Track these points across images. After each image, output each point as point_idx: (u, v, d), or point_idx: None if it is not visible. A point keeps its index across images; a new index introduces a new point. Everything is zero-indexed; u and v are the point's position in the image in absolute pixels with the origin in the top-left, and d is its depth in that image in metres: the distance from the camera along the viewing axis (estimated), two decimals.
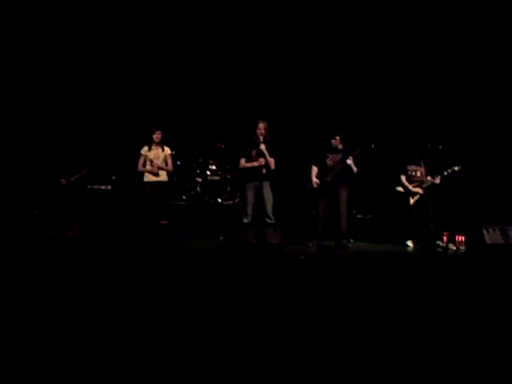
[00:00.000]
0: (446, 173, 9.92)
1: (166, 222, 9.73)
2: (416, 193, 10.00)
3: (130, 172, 10.36)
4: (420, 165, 10.16)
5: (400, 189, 10.16)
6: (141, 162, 9.86)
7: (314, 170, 10.00)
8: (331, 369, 3.18)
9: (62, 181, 10.01)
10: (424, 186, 9.99)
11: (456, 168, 9.86)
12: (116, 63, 12.16)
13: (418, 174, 10.13)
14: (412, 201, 10.03)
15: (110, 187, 11.61)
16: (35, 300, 3.85)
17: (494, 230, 9.38)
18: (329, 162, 9.94)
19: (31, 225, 10.06)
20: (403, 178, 10.13)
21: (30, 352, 3.23)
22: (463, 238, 9.66)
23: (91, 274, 3.62)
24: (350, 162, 9.68)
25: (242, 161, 9.54)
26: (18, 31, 11.57)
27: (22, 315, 3.62)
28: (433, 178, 9.96)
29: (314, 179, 9.92)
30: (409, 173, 10.15)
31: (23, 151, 11.67)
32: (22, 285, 4.37)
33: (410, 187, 10.04)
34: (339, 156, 9.90)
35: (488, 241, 9.27)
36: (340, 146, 9.96)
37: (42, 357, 3.17)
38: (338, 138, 9.94)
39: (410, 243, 10.03)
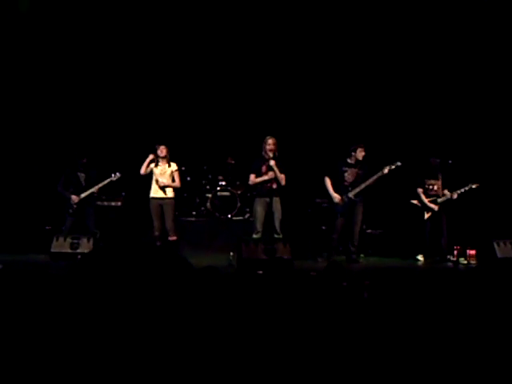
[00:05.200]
0: (463, 190, 9.89)
1: (175, 239, 9.71)
2: (431, 208, 9.97)
3: (140, 188, 10.36)
4: (438, 178, 10.13)
5: (415, 202, 10.12)
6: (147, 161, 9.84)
7: (328, 182, 9.91)
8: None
9: (74, 197, 10.01)
10: (440, 200, 9.96)
11: (474, 186, 9.83)
12: (127, 79, 12.21)
13: (436, 187, 10.11)
14: (426, 215, 10.00)
15: (120, 203, 11.64)
16: (38, 317, 3.85)
17: (505, 243, 9.37)
18: (348, 176, 9.87)
19: (42, 241, 10.09)
20: (420, 191, 10.10)
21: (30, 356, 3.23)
22: (474, 252, 9.62)
23: (98, 290, 3.62)
24: (386, 171, 9.60)
25: (252, 177, 9.53)
26: (22, 55, 11.64)
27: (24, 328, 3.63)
28: (450, 192, 9.93)
29: (335, 194, 9.83)
30: (426, 186, 10.12)
31: (33, 167, 11.71)
32: (28, 300, 4.37)
33: (426, 201, 10.00)
34: (357, 171, 9.84)
35: (499, 255, 9.25)
36: (361, 158, 9.90)
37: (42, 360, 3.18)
38: (362, 149, 9.87)
39: (420, 257, 10.00)
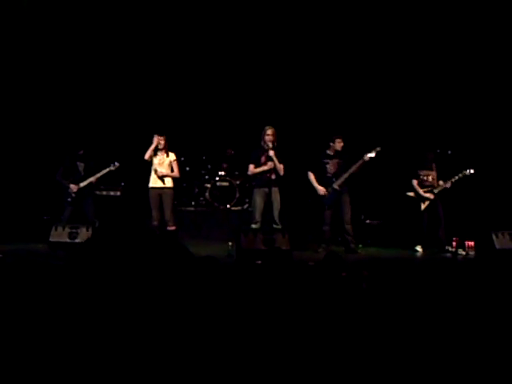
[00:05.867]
0: (457, 177, 9.90)
1: (174, 228, 9.72)
2: (427, 198, 9.99)
3: (139, 178, 10.36)
4: (432, 169, 10.15)
5: (411, 194, 10.14)
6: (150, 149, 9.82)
7: (312, 176, 9.97)
8: (340, 376, 3.18)
9: (72, 186, 10.00)
10: (435, 191, 9.97)
11: (467, 172, 9.84)
12: (126, 69, 12.19)
13: (430, 178, 10.11)
14: (423, 206, 10.01)
15: (119, 193, 11.64)
16: (36, 306, 3.86)
17: (503, 235, 9.36)
18: (330, 168, 9.93)
19: (40, 231, 10.08)
20: (415, 182, 10.11)
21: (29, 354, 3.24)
22: (473, 244, 9.63)
23: (97, 279, 3.62)
24: (367, 158, 9.63)
25: (251, 167, 9.56)
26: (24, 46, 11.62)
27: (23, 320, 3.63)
28: (444, 182, 9.94)
29: (319, 187, 9.89)
30: (421, 177, 10.13)
31: (32, 157, 11.70)
32: (26, 290, 4.38)
33: (421, 192, 10.02)
34: (338, 161, 9.88)
35: (498, 246, 9.25)
36: (340, 149, 9.94)
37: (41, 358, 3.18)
38: (340, 140, 9.92)
39: (419, 248, 10.01)
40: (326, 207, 9.81)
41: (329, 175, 9.90)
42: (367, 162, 9.66)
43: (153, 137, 9.79)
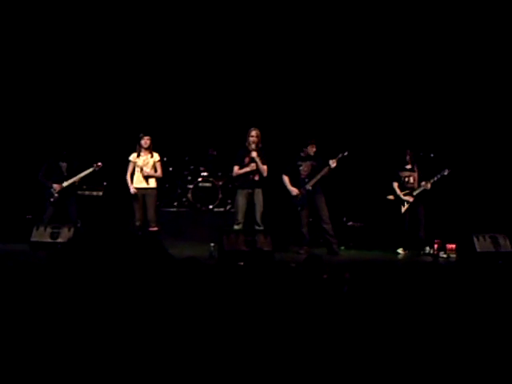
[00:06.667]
0: (436, 178, 9.95)
1: (156, 229, 9.70)
2: (407, 201, 10.02)
3: (122, 178, 10.34)
4: (413, 170, 10.17)
5: (391, 197, 10.18)
6: (130, 169, 9.79)
7: (286, 179, 10.08)
8: (320, 378, 3.19)
9: (55, 186, 9.95)
10: (414, 193, 10.01)
11: (446, 172, 9.90)
12: (107, 68, 12.13)
13: (411, 179, 10.15)
14: (403, 209, 10.04)
15: (101, 193, 11.59)
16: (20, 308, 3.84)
17: (484, 238, 9.43)
18: (303, 169, 9.99)
19: (22, 231, 10.03)
20: (395, 185, 10.14)
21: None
22: (454, 246, 9.69)
23: (78, 281, 3.60)
24: (334, 165, 9.71)
25: (236, 168, 9.65)
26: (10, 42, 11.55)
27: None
28: (425, 183, 9.97)
29: (292, 188, 9.96)
30: (402, 179, 10.16)
31: (14, 156, 11.62)
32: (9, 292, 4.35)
33: (401, 195, 10.05)
34: (312, 163, 9.95)
35: (479, 249, 9.32)
36: (313, 154, 10.00)
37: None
38: (313, 145, 9.97)
39: (400, 251, 10.04)
40: (299, 208, 9.88)
41: (302, 176, 9.99)
42: (334, 167, 9.77)
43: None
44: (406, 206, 10.03)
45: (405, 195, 10.04)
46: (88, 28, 11.73)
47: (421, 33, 11.47)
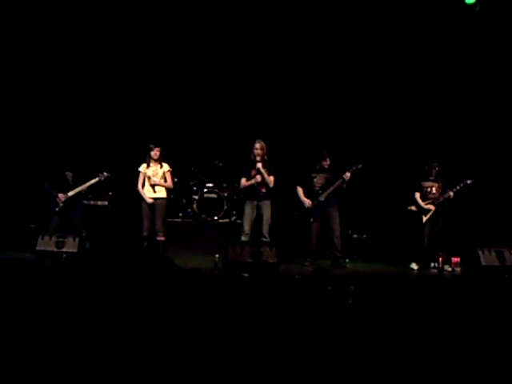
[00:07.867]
0: (458, 187, 9.90)
1: (163, 239, 9.69)
2: (428, 210, 9.95)
3: (127, 188, 10.35)
4: (436, 181, 10.10)
5: (413, 208, 10.11)
6: (141, 180, 9.82)
7: (300, 190, 10.12)
8: None
9: (61, 196, 9.96)
10: (437, 202, 9.91)
11: (468, 181, 9.86)
12: (115, 79, 12.17)
13: (434, 190, 10.07)
14: (425, 218, 9.96)
15: (106, 203, 11.60)
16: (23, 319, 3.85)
17: (489, 251, 9.40)
18: (317, 181, 10.02)
19: (27, 239, 10.03)
20: (417, 195, 10.06)
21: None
22: (459, 260, 9.66)
23: (84, 292, 3.61)
24: (348, 177, 9.75)
25: (243, 180, 9.70)
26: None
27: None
28: (446, 192, 9.91)
29: (306, 199, 9.99)
30: (424, 189, 10.10)
31: (20, 164, 11.66)
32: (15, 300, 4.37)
33: (422, 204, 9.97)
34: (326, 175, 9.98)
35: (483, 262, 9.28)
36: (327, 166, 10.04)
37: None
38: (327, 157, 10.01)
39: (414, 266, 9.91)
40: (311, 219, 9.87)
41: (316, 188, 10.01)
42: (348, 180, 9.82)
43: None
44: (428, 215, 9.96)
45: (426, 204, 9.96)
46: (99, 39, 11.78)
47: (440, 43, 11.47)
